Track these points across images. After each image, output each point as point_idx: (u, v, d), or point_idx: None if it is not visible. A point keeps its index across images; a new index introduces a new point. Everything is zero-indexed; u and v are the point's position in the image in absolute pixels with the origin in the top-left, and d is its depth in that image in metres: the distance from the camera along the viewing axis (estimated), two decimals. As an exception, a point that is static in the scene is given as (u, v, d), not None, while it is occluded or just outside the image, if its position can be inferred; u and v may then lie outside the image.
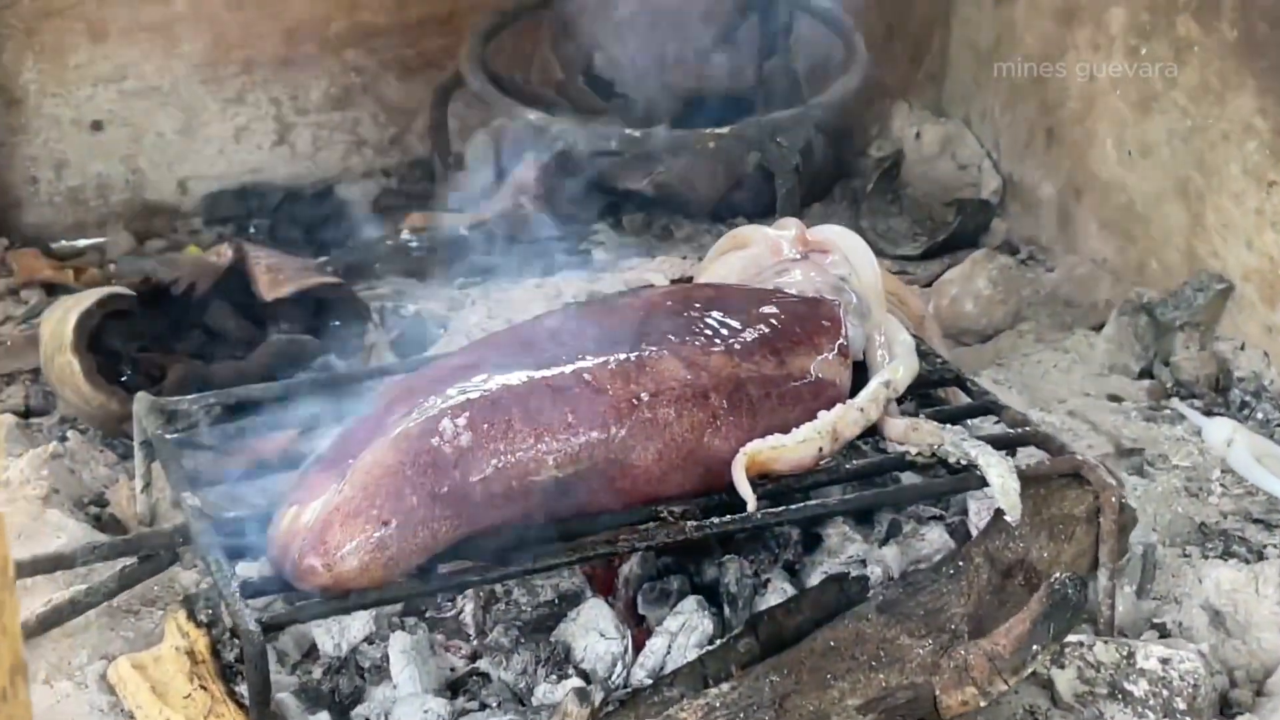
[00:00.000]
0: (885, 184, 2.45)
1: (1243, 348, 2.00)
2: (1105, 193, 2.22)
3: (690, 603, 1.53)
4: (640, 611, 1.57)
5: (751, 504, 1.46)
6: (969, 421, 1.65)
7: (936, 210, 2.45)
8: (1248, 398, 1.91)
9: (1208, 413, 1.88)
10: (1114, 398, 1.91)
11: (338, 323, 1.94)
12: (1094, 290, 2.19)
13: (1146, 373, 1.99)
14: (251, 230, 2.29)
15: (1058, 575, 1.43)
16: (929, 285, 2.17)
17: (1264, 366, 1.96)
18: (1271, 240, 1.94)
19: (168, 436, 1.60)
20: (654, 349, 1.51)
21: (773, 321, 1.59)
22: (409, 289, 2.17)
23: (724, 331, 1.56)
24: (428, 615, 1.58)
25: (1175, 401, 1.91)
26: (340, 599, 1.36)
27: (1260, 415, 1.88)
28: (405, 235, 2.17)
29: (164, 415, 1.64)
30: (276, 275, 1.91)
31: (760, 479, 1.50)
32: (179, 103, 2.33)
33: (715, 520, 1.46)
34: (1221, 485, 1.75)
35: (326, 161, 2.43)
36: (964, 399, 1.69)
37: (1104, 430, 1.79)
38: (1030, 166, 2.38)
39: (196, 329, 1.93)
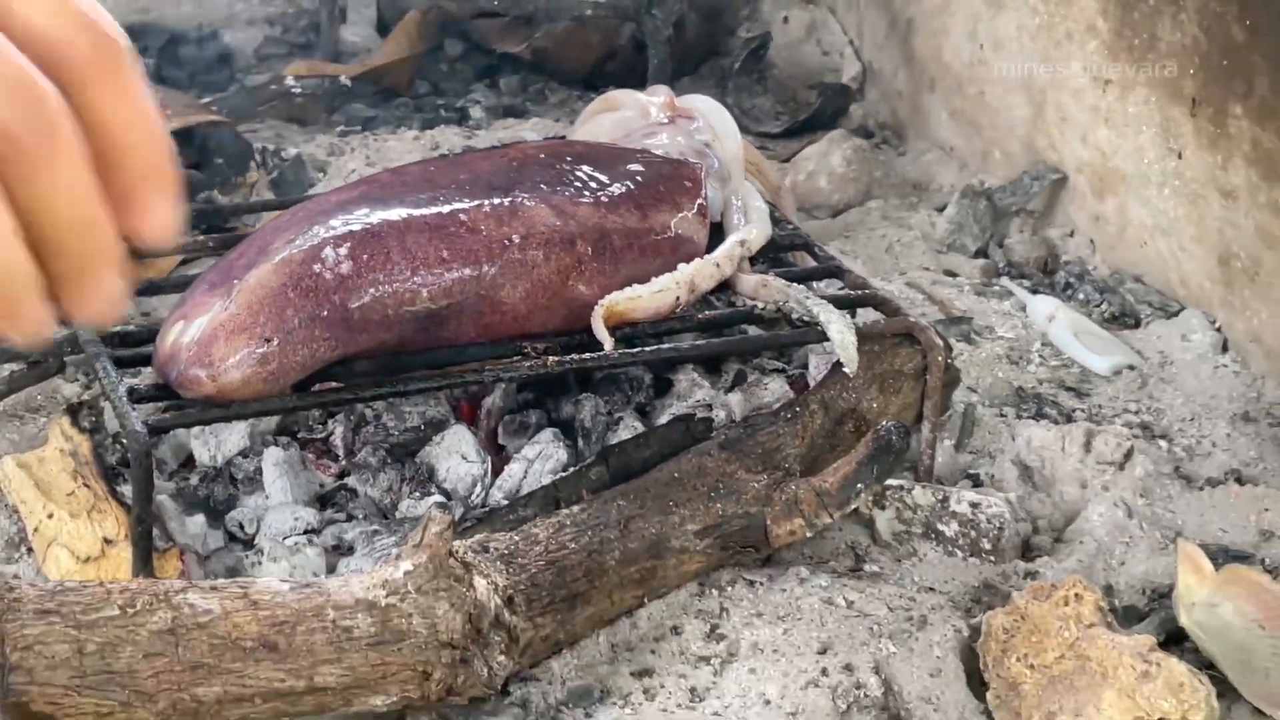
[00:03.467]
0: (752, 64, 2.56)
1: (1071, 235, 2.15)
2: (957, 84, 2.35)
3: (547, 434, 1.65)
4: (500, 442, 1.68)
5: (609, 346, 1.58)
6: (815, 284, 1.78)
7: (799, 93, 2.57)
8: (1072, 280, 2.06)
9: (1034, 291, 2.02)
10: (949, 273, 2.05)
11: (220, 160, 2.02)
12: (940, 175, 2.33)
13: (982, 253, 2.13)
14: (137, 69, 2.34)
15: (884, 423, 1.57)
16: (787, 161, 2.29)
17: (1089, 253, 2.11)
18: (1104, 136, 2.08)
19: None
20: (526, 196, 1.62)
21: (638, 178, 1.70)
22: (289, 134, 2.24)
23: (592, 184, 1.66)
24: (299, 436, 1.68)
25: (1005, 280, 2.05)
26: (222, 407, 1.46)
27: (1082, 296, 2.03)
28: (289, 81, 2.24)
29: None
30: (163, 111, 1.98)
31: (620, 326, 1.62)
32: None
33: (574, 357, 1.57)
34: (1040, 356, 1.90)
35: (212, 7, 2.49)
36: (812, 264, 1.82)
37: (937, 300, 1.93)
38: (889, 56, 2.50)
39: (83, 158, 2.00)
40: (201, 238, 1.74)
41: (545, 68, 2.46)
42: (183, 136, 1.99)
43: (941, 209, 2.19)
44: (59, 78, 0.57)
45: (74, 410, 1.62)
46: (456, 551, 1.36)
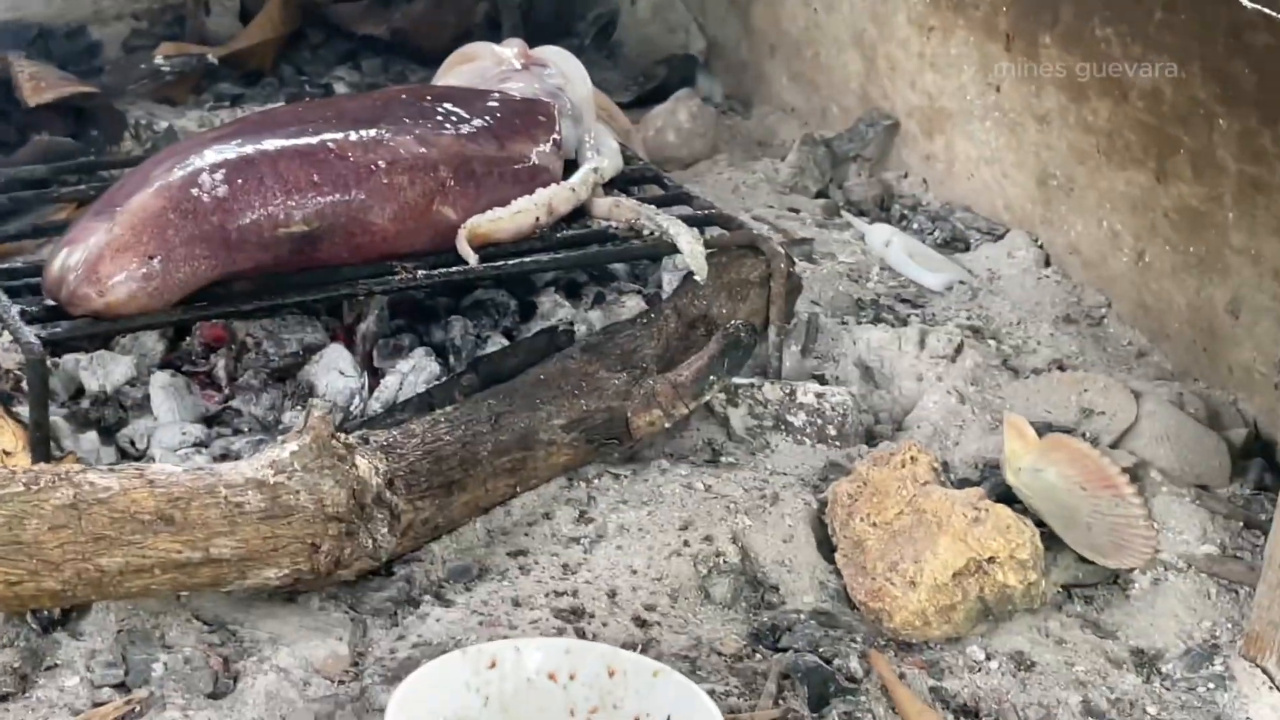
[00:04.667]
0: (601, 40, 2.69)
1: (905, 176, 2.29)
2: (795, 48, 2.50)
3: (419, 351, 1.75)
4: (376, 365, 1.78)
5: (473, 262, 1.70)
6: (666, 208, 1.90)
7: (648, 68, 2.70)
8: (906, 212, 2.21)
9: (872, 223, 2.17)
10: (793, 210, 2.19)
11: (95, 131, 2.11)
12: (782, 133, 2.47)
13: (823, 194, 2.27)
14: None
15: (733, 322, 1.69)
16: (637, 125, 2.42)
17: (923, 191, 2.26)
18: (930, 80, 2.23)
19: (-57, 205, 1.76)
20: (391, 128, 1.73)
21: (496, 114, 1.82)
22: (161, 112, 2.33)
23: (453, 118, 1.78)
24: (184, 370, 1.77)
25: (844, 214, 2.19)
26: (110, 322, 1.55)
27: (916, 226, 2.17)
28: (158, 60, 2.34)
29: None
30: (39, 83, 2.07)
31: (484, 246, 1.73)
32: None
33: (442, 270, 1.69)
34: (879, 277, 2.04)
35: (79, 3, 2.57)
36: (661, 194, 1.94)
37: (781, 230, 2.06)
38: (731, 29, 2.64)
39: (-39, 133, 2.08)
40: (83, 186, 1.82)
41: (405, 48, 2.58)
42: (58, 108, 2.08)
43: (784, 158, 2.32)
44: None
45: (-35, 347, 1.70)
46: (339, 436, 1.46)
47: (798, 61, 2.50)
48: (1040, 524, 1.55)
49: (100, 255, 1.55)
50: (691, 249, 1.74)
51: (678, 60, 2.64)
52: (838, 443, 1.72)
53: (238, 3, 2.61)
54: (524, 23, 2.51)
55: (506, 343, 1.80)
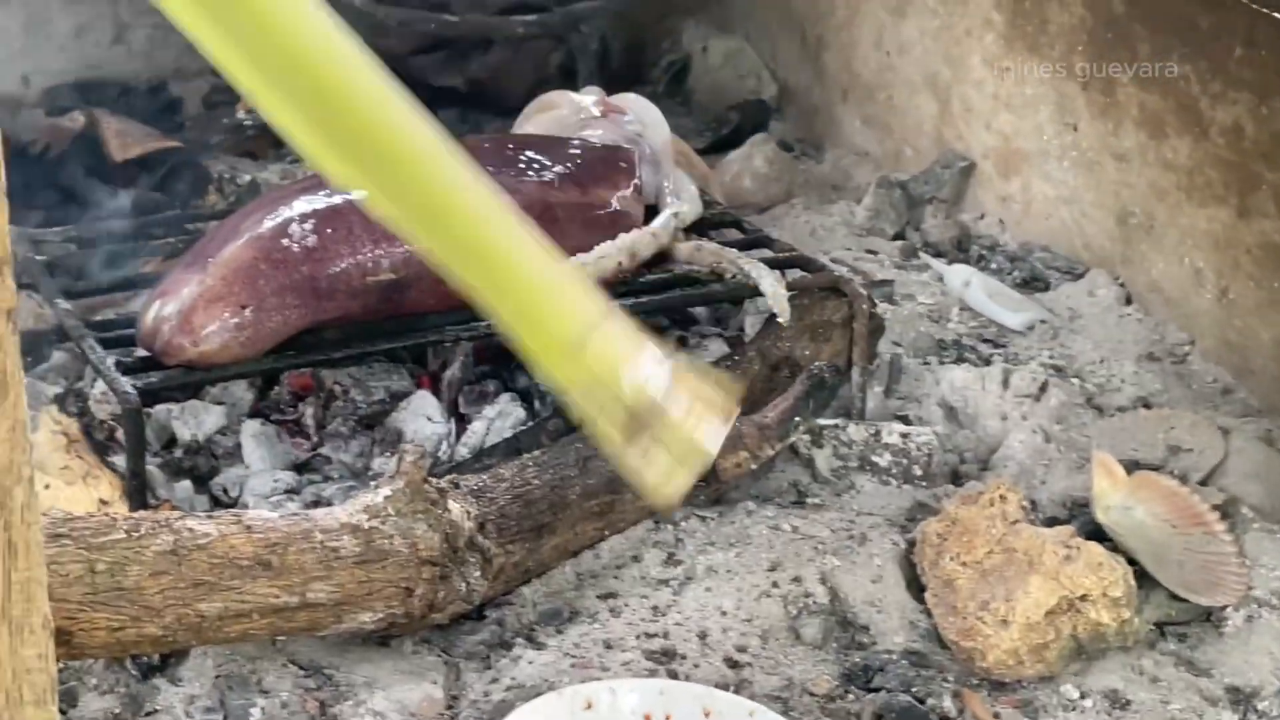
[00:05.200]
0: (675, 87, 2.71)
1: (982, 217, 2.30)
2: (867, 91, 2.51)
3: (505, 397, 1.77)
4: (462, 411, 1.80)
5: (558, 307, 1.71)
6: (746, 251, 1.91)
7: (721, 114, 2.72)
8: (984, 253, 2.21)
9: (949, 264, 2.17)
10: (870, 251, 2.20)
11: (180, 185, 2.14)
12: (856, 176, 2.48)
13: (899, 236, 2.28)
14: (90, 121, 2.46)
15: (816, 363, 1.70)
16: (712, 170, 2.43)
17: (1000, 231, 2.26)
18: (1006, 120, 2.23)
19: (38, 258, 1.80)
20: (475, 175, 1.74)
21: (577, 161, 1.84)
22: (243, 166, 2.37)
23: (535, 166, 1.80)
24: (273, 418, 1.79)
25: (922, 255, 2.20)
26: (204, 371, 1.58)
27: (994, 266, 2.18)
28: (240, 115, 2.37)
29: (34, 245, 1.84)
30: (125, 139, 2.11)
31: (566, 293, 1.74)
32: (21, 1, 2.50)
33: (528, 316, 1.70)
34: (959, 317, 2.04)
35: (161, 60, 2.61)
36: (741, 237, 1.95)
37: (860, 271, 2.07)
38: (803, 74, 2.66)
39: (50, 189, 2.12)
40: (171, 240, 1.85)
41: (481, 98, 2.60)
42: (144, 163, 2.11)
43: (860, 202, 2.33)
44: None
45: (60, 399, 1.73)
46: (431, 481, 1.47)
47: (871, 105, 2.51)
48: (1131, 561, 1.55)
49: (194, 306, 1.57)
50: (774, 291, 1.75)
51: (750, 105, 2.66)
52: (924, 483, 1.72)
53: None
54: (599, 70, 2.53)
55: (590, 387, 1.81)
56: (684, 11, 2.82)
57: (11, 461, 0.52)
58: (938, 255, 2.22)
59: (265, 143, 2.43)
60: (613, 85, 2.69)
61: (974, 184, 2.31)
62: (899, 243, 2.25)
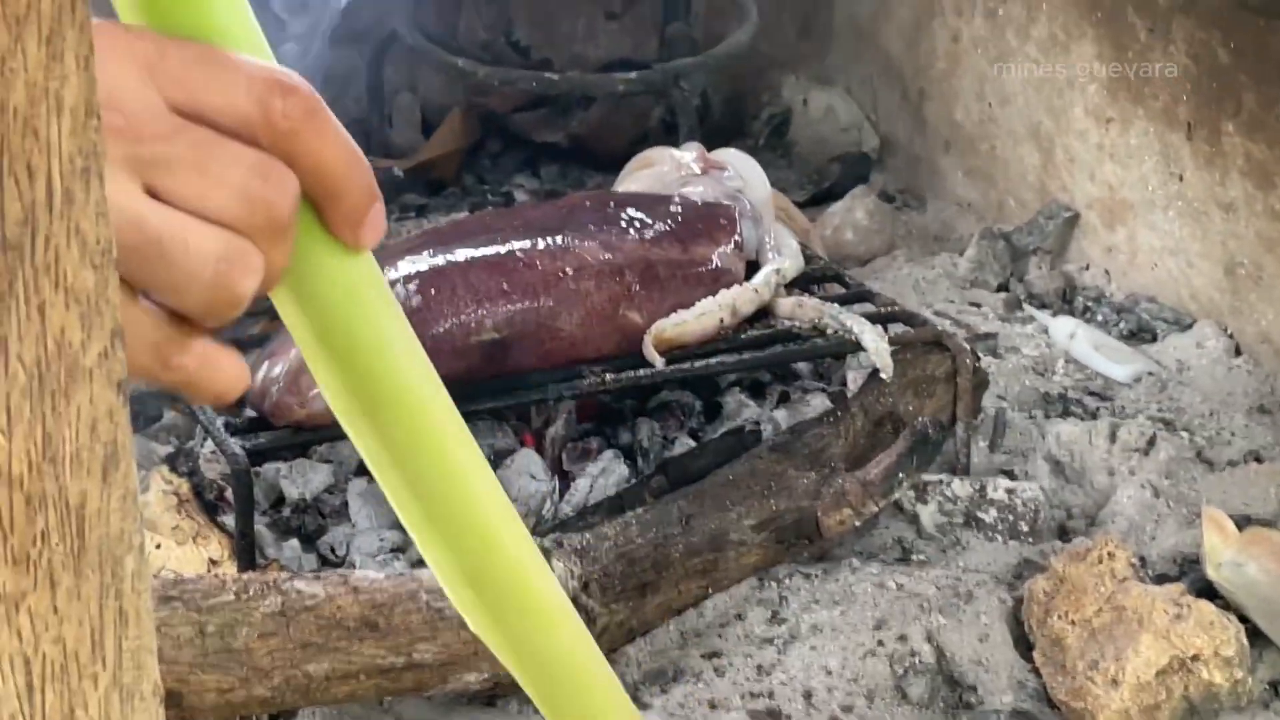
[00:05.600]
0: (775, 140, 2.72)
1: (1087, 268, 2.28)
2: (969, 143, 2.50)
3: (608, 454, 1.77)
4: (565, 468, 1.81)
5: (659, 365, 1.72)
6: (848, 306, 1.91)
7: (822, 166, 2.72)
8: (1090, 304, 2.19)
9: (1054, 315, 2.15)
10: (974, 304, 2.18)
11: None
12: (959, 227, 2.47)
13: (1003, 288, 2.27)
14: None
15: (920, 419, 1.69)
16: (814, 223, 2.43)
17: (1105, 282, 2.24)
18: (1110, 171, 2.22)
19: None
20: (576, 235, 1.76)
21: (678, 218, 1.84)
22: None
23: (636, 224, 1.81)
24: (378, 476, 1.81)
25: (1027, 307, 2.18)
26: (311, 431, 1.60)
27: (1100, 318, 2.16)
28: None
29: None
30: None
31: (670, 350, 1.75)
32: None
33: (629, 374, 1.71)
34: (1064, 369, 2.02)
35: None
36: (842, 291, 1.95)
37: (964, 324, 2.06)
38: (904, 125, 2.65)
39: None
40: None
41: (582, 154, 2.62)
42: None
43: (962, 253, 2.32)
44: (267, 137, 0.61)
45: (171, 460, 1.76)
46: (534, 539, 1.48)
47: (973, 156, 2.50)
48: (1244, 619, 1.52)
49: (301, 367, 1.59)
50: (876, 346, 1.75)
51: (851, 158, 2.66)
52: (1030, 539, 1.71)
53: (419, 115, 2.68)
54: (700, 124, 2.55)
55: (693, 444, 1.81)
56: (784, 65, 2.83)
57: (122, 530, 0.53)
58: (1042, 307, 2.20)
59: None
60: (714, 139, 2.70)
61: (1078, 235, 2.29)
62: (1003, 295, 2.23)
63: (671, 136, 2.52)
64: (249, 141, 0.61)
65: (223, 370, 0.65)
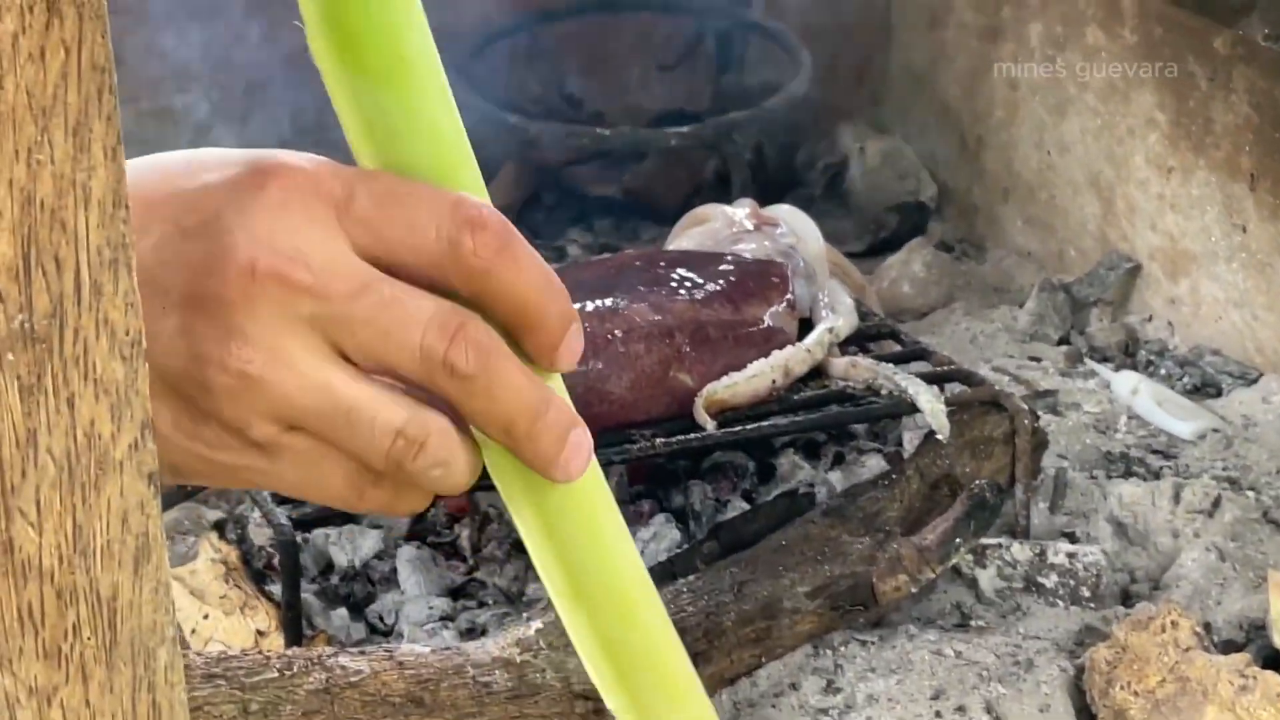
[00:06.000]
0: (832, 190, 2.69)
1: (1149, 319, 2.24)
2: (1028, 191, 2.47)
3: (660, 518, 1.75)
4: (616, 532, 1.78)
5: (710, 428, 1.69)
6: (906, 366, 1.88)
7: (879, 215, 2.69)
8: (1153, 358, 2.15)
9: (1117, 370, 2.11)
10: (1034, 358, 2.15)
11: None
12: (1019, 278, 2.43)
13: (1064, 341, 2.23)
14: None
15: (978, 481, 1.66)
16: (870, 275, 2.40)
17: (1168, 334, 2.20)
18: (1172, 221, 2.18)
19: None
20: (625, 296, 1.74)
21: (729, 276, 1.82)
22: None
23: (687, 284, 1.79)
24: (428, 540, 1.79)
25: (1088, 361, 2.14)
26: (359, 500, 1.58)
27: (1164, 372, 2.12)
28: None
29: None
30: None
31: (721, 413, 1.72)
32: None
33: (680, 438, 1.68)
34: (1127, 426, 1.98)
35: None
36: (898, 349, 1.92)
37: (1023, 381, 2.02)
38: (962, 174, 2.62)
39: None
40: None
41: (637, 206, 2.60)
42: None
43: (1022, 305, 2.28)
44: (459, 277, 0.61)
45: (220, 526, 1.75)
46: (583, 612, 1.46)
47: (1032, 205, 2.46)
48: (1312, 688, 1.48)
49: (347, 435, 1.57)
50: (932, 408, 1.71)
51: (908, 207, 2.63)
52: (1092, 604, 1.67)
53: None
54: (754, 176, 2.52)
55: (746, 506, 1.78)
56: (840, 114, 2.81)
57: (155, 622, 0.52)
58: (1104, 360, 2.16)
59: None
60: (769, 190, 2.68)
61: (1140, 286, 2.25)
62: (1063, 348, 2.20)
63: (725, 187, 2.50)
64: (441, 281, 0.61)
65: (416, 495, 0.65)
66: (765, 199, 2.66)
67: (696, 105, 2.74)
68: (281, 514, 1.54)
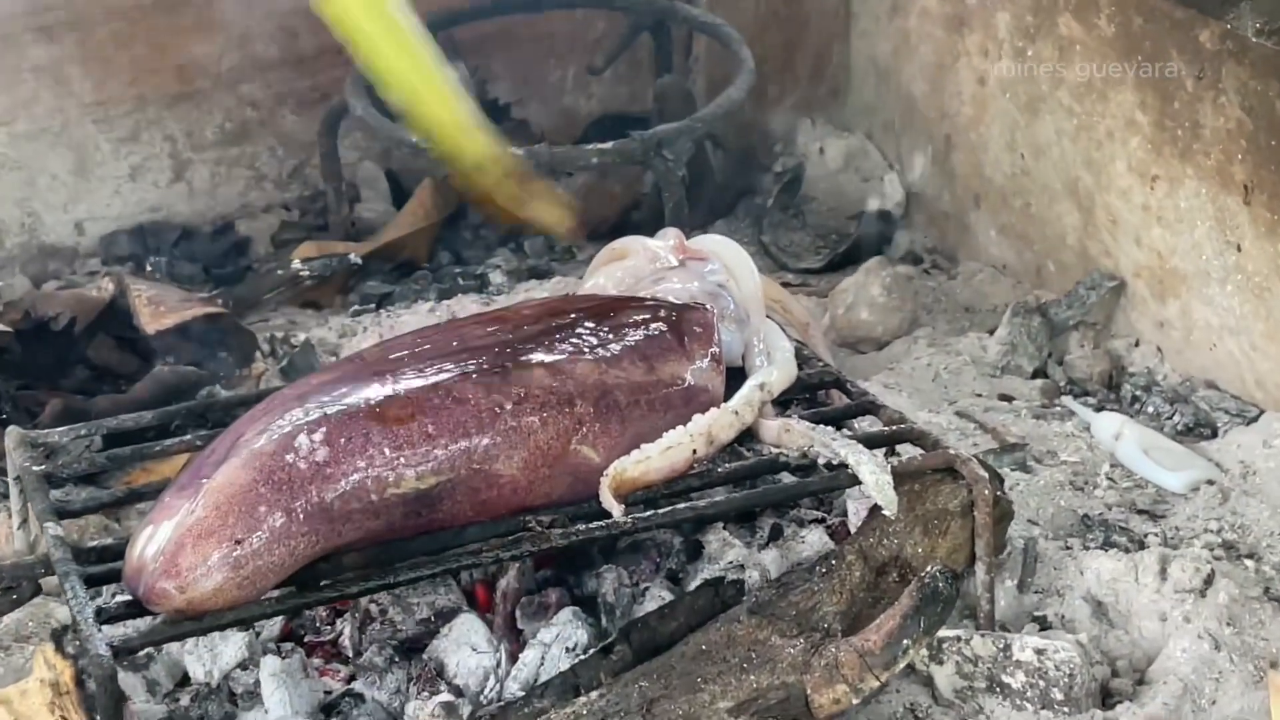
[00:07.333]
0: (787, 198, 2.45)
1: (1136, 344, 1.99)
2: (1001, 198, 2.22)
3: (565, 614, 1.51)
4: (519, 625, 1.55)
5: (617, 514, 1.45)
6: (850, 422, 1.64)
7: (841, 224, 2.45)
8: (1139, 392, 1.91)
9: (1099, 409, 1.87)
10: (1005, 397, 1.90)
11: (224, 354, 1.92)
12: (994, 295, 2.19)
13: (1040, 373, 1.98)
14: (149, 269, 2.26)
15: (928, 569, 1.41)
16: (824, 299, 2.16)
17: (1157, 362, 1.96)
18: (1159, 235, 1.93)
19: (35, 469, 1.58)
20: (517, 359, 1.50)
21: (643, 328, 1.58)
22: (303, 319, 2.15)
23: (592, 340, 1.54)
24: (305, 640, 1.56)
25: (1065, 399, 1.90)
26: (194, 620, 1.34)
27: (1151, 409, 1.87)
28: (296, 265, 2.15)
29: (36, 449, 1.62)
30: (158, 307, 1.90)
31: (634, 492, 1.48)
32: (71, 143, 2.31)
33: (582, 528, 1.44)
34: (1109, 479, 1.74)
35: (225, 197, 2.41)
36: (845, 402, 1.68)
37: (990, 429, 1.78)
38: (931, 176, 2.38)
39: (79, 365, 1.91)
40: (198, 439, 1.62)
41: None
42: (179, 332, 1.90)
43: (993, 331, 2.04)
44: None
45: (58, 636, 1.50)
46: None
47: (1006, 213, 2.22)
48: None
49: (180, 544, 1.33)
50: (876, 480, 1.47)
51: (870, 217, 2.38)
52: (1065, 708, 1.43)
53: (388, 187, 2.43)
54: (699, 186, 2.28)
55: (668, 594, 1.55)
56: (797, 110, 2.56)
57: None
58: (1084, 395, 1.92)
59: (330, 290, 2.21)
60: (716, 200, 2.44)
61: (1124, 307, 2.00)
62: (1039, 381, 1.95)
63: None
64: None
65: None
66: (711, 211, 2.42)
67: (640, 106, 2.50)
68: (101, 641, 1.30)
